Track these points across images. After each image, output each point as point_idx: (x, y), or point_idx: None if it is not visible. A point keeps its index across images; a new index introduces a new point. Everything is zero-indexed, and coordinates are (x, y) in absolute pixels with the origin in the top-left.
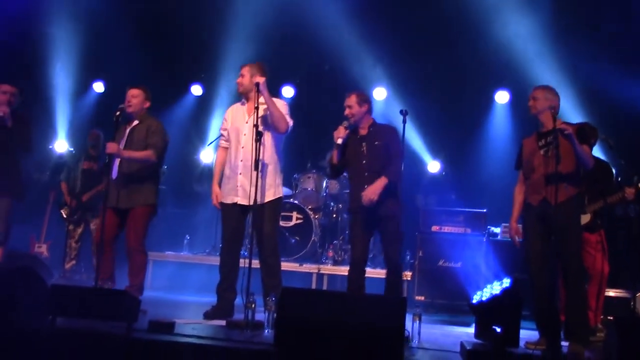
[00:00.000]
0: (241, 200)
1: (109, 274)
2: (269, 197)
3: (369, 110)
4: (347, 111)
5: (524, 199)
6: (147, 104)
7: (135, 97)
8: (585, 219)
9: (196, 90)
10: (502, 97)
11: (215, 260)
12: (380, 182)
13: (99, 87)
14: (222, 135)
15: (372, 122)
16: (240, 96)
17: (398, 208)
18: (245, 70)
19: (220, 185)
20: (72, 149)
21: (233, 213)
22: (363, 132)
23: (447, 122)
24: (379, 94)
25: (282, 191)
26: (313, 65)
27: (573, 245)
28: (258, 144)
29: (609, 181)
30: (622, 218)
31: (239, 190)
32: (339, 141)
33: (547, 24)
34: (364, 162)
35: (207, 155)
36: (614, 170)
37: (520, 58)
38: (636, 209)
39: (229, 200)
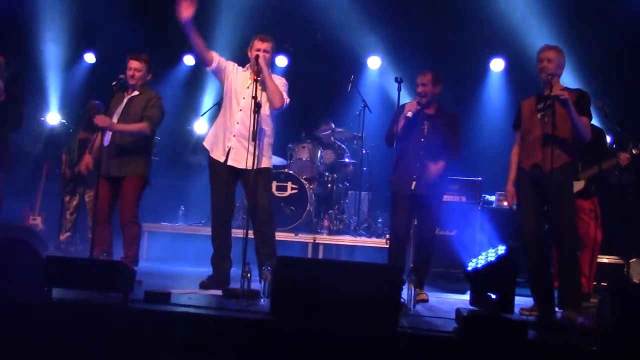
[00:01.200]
0: (233, 163)
1: (106, 246)
2: (264, 164)
3: (441, 92)
4: (420, 88)
5: (518, 163)
6: (149, 76)
7: (138, 71)
8: (578, 185)
9: (189, 60)
10: (497, 65)
11: (210, 231)
12: (440, 165)
13: (90, 57)
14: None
15: (438, 106)
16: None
17: (443, 191)
18: (269, 46)
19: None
20: (64, 121)
21: (222, 174)
22: (429, 111)
23: (442, 91)
24: (373, 62)
25: (272, 163)
26: (306, 35)
27: (566, 212)
28: (256, 115)
29: (603, 147)
30: (615, 185)
31: (231, 151)
32: (409, 114)
33: None
34: (422, 139)
35: (200, 126)
36: (608, 137)
37: (516, 26)
38: (629, 176)
39: (217, 156)
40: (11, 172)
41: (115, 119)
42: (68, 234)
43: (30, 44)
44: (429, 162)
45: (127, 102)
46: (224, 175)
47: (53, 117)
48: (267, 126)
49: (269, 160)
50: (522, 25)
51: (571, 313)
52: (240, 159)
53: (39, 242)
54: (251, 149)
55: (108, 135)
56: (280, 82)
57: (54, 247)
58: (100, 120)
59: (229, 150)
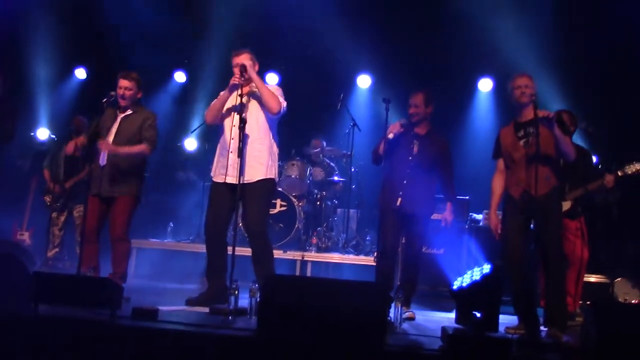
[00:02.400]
0: (231, 179)
1: (94, 262)
2: (259, 175)
3: (432, 112)
4: (412, 109)
5: (504, 190)
6: (140, 94)
7: (129, 90)
8: (565, 205)
9: (179, 77)
10: (485, 85)
11: (200, 247)
12: (450, 208)
13: (80, 73)
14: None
15: (430, 128)
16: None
17: (431, 210)
18: (247, 57)
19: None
20: (54, 136)
21: (221, 192)
22: (420, 131)
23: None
24: (363, 81)
25: (275, 173)
26: (297, 52)
27: (554, 232)
28: (241, 132)
29: (589, 168)
30: (601, 205)
31: (229, 168)
32: (390, 136)
33: (530, 12)
34: (410, 158)
35: (190, 143)
36: (594, 157)
37: (504, 46)
38: (615, 196)
39: (218, 179)
40: None
41: (109, 139)
42: (56, 250)
43: (21, 58)
44: (415, 183)
45: (121, 121)
46: (220, 193)
47: (42, 133)
48: (265, 135)
49: (269, 169)
50: (510, 45)
51: (556, 331)
52: (236, 175)
53: (27, 257)
54: (249, 161)
55: (104, 156)
56: (273, 88)
57: (41, 262)
58: (103, 145)
59: (227, 168)
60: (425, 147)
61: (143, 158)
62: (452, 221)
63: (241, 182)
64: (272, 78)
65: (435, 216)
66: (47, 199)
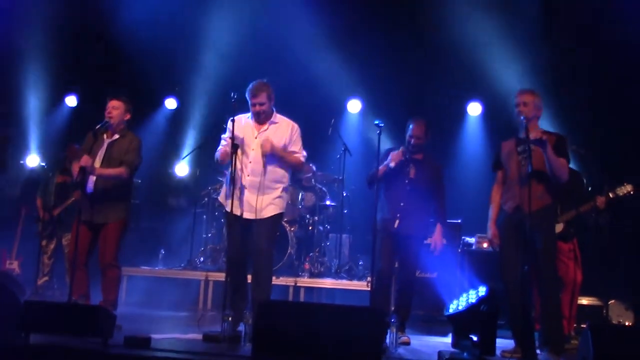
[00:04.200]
0: (246, 215)
1: (84, 290)
2: (272, 212)
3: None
4: (414, 141)
5: (500, 204)
6: (128, 116)
7: (116, 109)
8: (558, 228)
9: (170, 103)
10: (474, 108)
11: (191, 274)
12: (439, 230)
13: (71, 100)
14: (223, 140)
15: (426, 154)
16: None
17: (426, 232)
18: (264, 98)
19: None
20: (44, 164)
21: (238, 226)
22: (416, 156)
23: None
24: (354, 106)
25: (284, 206)
26: (287, 78)
27: (548, 255)
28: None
29: (581, 190)
30: (593, 227)
31: (244, 204)
32: (392, 164)
33: (519, 35)
34: (407, 182)
35: (181, 169)
36: (584, 180)
37: (492, 70)
38: (607, 218)
39: (234, 211)
40: None
41: (97, 164)
42: (46, 278)
43: (11, 85)
44: (412, 206)
45: (107, 147)
46: (238, 227)
47: (33, 160)
48: (283, 174)
49: (283, 204)
50: (499, 69)
51: (553, 354)
52: (253, 210)
53: (16, 286)
54: (264, 198)
55: (91, 182)
56: (295, 135)
57: (31, 291)
58: (83, 160)
59: (241, 203)
60: (421, 171)
61: (127, 183)
62: (443, 245)
63: (257, 217)
64: None
65: (427, 240)
66: (39, 227)
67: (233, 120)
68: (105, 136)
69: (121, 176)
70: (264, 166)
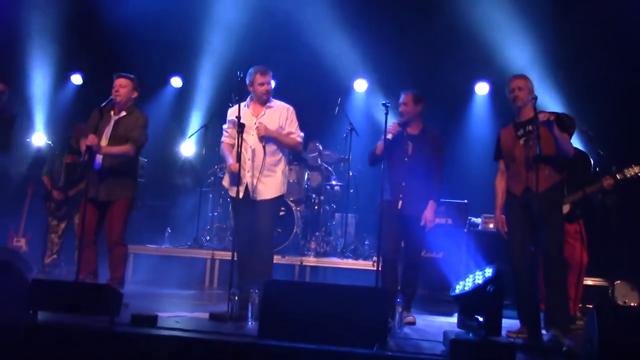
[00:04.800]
0: (252, 196)
1: (91, 268)
2: (273, 194)
3: (423, 111)
4: (401, 108)
5: (506, 189)
6: (135, 94)
7: (123, 87)
8: (564, 209)
9: (176, 82)
10: (481, 88)
11: (197, 253)
12: (432, 207)
13: (77, 79)
14: (225, 131)
15: (423, 127)
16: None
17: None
18: (269, 78)
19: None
20: (50, 142)
21: (243, 208)
22: (412, 131)
23: (427, 114)
24: (360, 85)
25: (285, 188)
26: (293, 57)
27: (555, 235)
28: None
29: (588, 172)
30: (600, 208)
31: (249, 187)
32: (390, 136)
33: (527, 15)
34: (406, 159)
35: (187, 148)
36: (592, 161)
37: (500, 50)
38: (614, 199)
39: (236, 195)
40: None
41: (104, 142)
42: (54, 257)
43: (17, 64)
44: (414, 184)
45: (114, 124)
46: (243, 209)
47: (39, 138)
48: (282, 157)
49: (282, 187)
50: (507, 49)
51: (558, 335)
52: (257, 192)
53: (24, 264)
54: (265, 180)
55: (98, 160)
56: (291, 117)
57: (37, 269)
58: (90, 138)
59: (246, 186)
60: (419, 146)
61: (133, 161)
62: (435, 222)
63: (258, 199)
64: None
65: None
66: (50, 205)
67: (239, 106)
68: (112, 114)
69: (127, 153)
70: (264, 149)
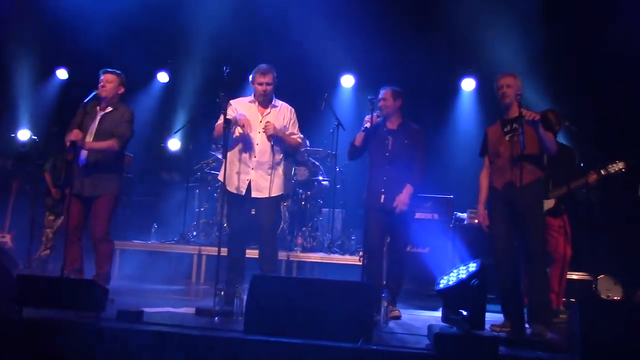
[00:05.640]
0: (255, 194)
1: (77, 264)
2: (277, 192)
3: (402, 107)
4: (381, 103)
5: (489, 184)
6: (122, 90)
7: (110, 82)
8: (549, 204)
9: (162, 77)
10: (468, 84)
11: (184, 248)
12: (408, 191)
13: (62, 73)
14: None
15: (402, 121)
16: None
17: (414, 205)
18: (270, 78)
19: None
20: (35, 137)
21: (241, 204)
22: (391, 126)
23: (414, 110)
24: (347, 80)
25: (283, 187)
26: (280, 52)
27: (536, 229)
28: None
29: (572, 166)
30: (584, 202)
31: (252, 184)
32: (367, 125)
33: (513, 11)
34: (387, 154)
35: (174, 143)
36: (576, 156)
37: (486, 46)
38: (597, 194)
39: (236, 191)
40: None
41: (89, 137)
42: (47, 251)
43: (1, 59)
44: (396, 178)
45: (100, 119)
46: (242, 207)
47: (24, 134)
48: (284, 156)
49: (284, 185)
50: (493, 44)
51: (541, 329)
52: (261, 190)
53: (9, 260)
54: (268, 178)
55: (83, 155)
56: (292, 113)
57: (23, 265)
58: (73, 134)
59: (249, 183)
60: (400, 140)
61: (118, 156)
62: (407, 206)
63: (261, 196)
64: None
65: (420, 215)
66: (49, 201)
67: (228, 102)
68: (98, 109)
69: (112, 148)
70: (272, 148)
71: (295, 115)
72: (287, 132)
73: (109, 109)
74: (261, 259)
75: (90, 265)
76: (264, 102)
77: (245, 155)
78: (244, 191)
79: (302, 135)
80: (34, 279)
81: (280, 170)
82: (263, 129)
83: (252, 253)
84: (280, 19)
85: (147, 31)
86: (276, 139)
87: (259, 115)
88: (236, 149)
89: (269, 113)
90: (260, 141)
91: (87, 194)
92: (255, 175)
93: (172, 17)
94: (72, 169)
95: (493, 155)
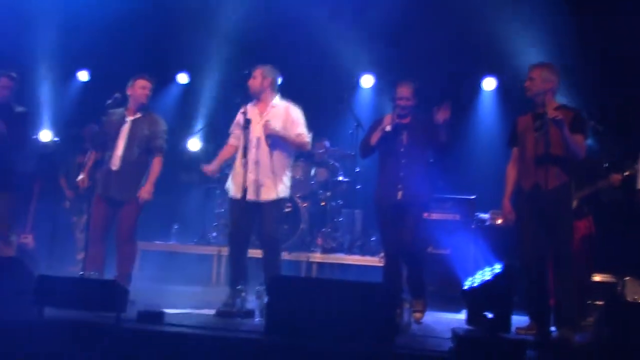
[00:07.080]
0: (250, 197)
1: (99, 264)
2: (277, 195)
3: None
4: (402, 102)
5: (516, 179)
6: (149, 94)
7: (145, 89)
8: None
9: (182, 78)
10: (489, 84)
11: (204, 249)
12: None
13: (83, 75)
14: (231, 133)
15: (412, 115)
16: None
17: (426, 200)
18: (257, 73)
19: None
20: (57, 139)
21: (240, 210)
22: (404, 121)
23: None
24: (367, 81)
25: (287, 192)
26: (299, 53)
27: (564, 232)
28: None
29: (595, 167)
30: (609, 203)
31: (250, 188)
32: (388, 128)
33: (536, 9)
34: (402, 149)
35: (194, 144)
36: (601, 157)
37: (508, 45)
38: (621, 195)
39: (237, 194)
40: (14, 192)
41: (121, 143)
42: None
43: (23, 60)
44: (413, 173)
45: (131, 126)
46: (241, 211)
47: (45, 135)
48: (286, 159)
49: (285, 190)
50: (515, 43)
51: (568, 332)
52: (259, 194)
53: (31, 261)
54: (268, 182)
55: (116, 160)
56: (297, 117)
57: (45, 266)
58: (144, 194)
59: (247, 187)
60: (414, 133)
61: (147, 161)
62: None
63: (258, 200)
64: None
65: (441, 216)
66: (67, 205)
67: (245, 108)
68: (126, 112)
69: (160, 167)
70: (270, 151)
71: (295, 114)
72: (290, 132)
73: (139, 114)
74: (263, 265)
75: (111, 265)
76: (261, 103)
77: (244, 160)
78: (240, 195)
79: (307, 134)
80: (54, 279)
81: (280, 173)
82: (263, 128)
83: (253, 253)
84: (300, 20)
85: (168, 32)
86: (274, 139)
87: (258, 118)
88: (224, 152)
89: (267, 114)
90: (258, 144)
91: (117, 198)
92: (254, 178)
93: (191, 17)
94: (99, 170)
95: (520, 148)
